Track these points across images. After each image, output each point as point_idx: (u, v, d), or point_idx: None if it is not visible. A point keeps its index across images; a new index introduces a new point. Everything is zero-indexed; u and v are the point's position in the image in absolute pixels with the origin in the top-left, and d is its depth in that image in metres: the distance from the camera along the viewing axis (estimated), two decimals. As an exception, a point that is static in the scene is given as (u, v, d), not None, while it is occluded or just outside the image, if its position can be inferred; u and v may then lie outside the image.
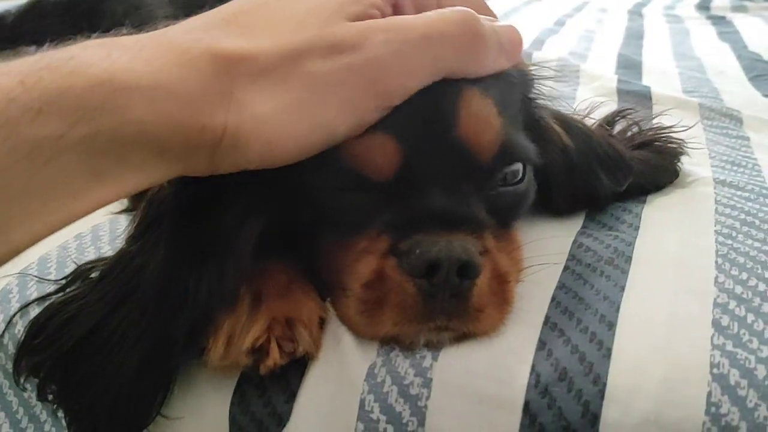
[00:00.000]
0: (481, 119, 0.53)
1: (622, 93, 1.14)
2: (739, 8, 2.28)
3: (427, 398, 0.49)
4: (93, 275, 0.58)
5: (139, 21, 0.79)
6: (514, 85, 0.60)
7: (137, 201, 0.64)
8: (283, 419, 0.52)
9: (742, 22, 1.98)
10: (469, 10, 0.52)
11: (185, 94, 0.44)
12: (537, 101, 0.64)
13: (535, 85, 0.65)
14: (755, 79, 1.27)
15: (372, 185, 0.52)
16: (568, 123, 0.67)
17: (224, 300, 0.52)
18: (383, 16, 0.51)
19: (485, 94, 0.54)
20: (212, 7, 0.51)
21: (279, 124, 0.47)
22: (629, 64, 1.40)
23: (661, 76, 1.29)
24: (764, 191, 0.73)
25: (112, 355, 0.52)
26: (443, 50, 0.51)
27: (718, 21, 2.04)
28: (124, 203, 0.74)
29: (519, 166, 0.57)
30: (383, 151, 0.51)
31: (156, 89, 0.42)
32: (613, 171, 0.68)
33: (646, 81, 1.25)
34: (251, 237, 0.54)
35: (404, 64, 0.49)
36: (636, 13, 2.18)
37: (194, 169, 0.47)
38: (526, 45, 1.58)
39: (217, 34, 0.47)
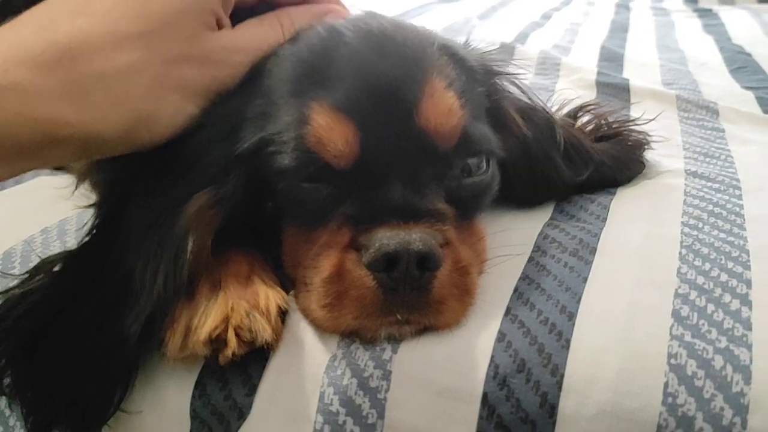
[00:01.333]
0: (442, 109, 0.53)
1: (601, 85, 1.14)
2: (726, 1, 2.29)
3: (387, 390, 0.49)
4: (56, 268, 0.57)
5: None
6: (477, 78, 0.61)
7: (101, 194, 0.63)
8: (243, 412, 0.51)
9: (728, 14, 1.99)
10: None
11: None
12: (500, 93, 0.64)
13: (498, 78, 0.65)
14: (736, 71, 1.27)
15: (332, 173, 0.52)
16: (528, 112, 0.67)
17: (178, 292, 0.51)
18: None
19: (448, 86, 0.54)
20: None
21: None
22: (611, 57, 1.39)
23: (641, 69, 1.29)
24: (734, 182, 0.73)
25: (70, 348, 0.51)
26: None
27: (705, 14, 2.04)
28: (91, 198, 0.73)
29: (482, 157, 0.57)
30: (343, 132, 0.51)
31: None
32: (573, 160, 0.68)
33: (626, 73, 1.25)
34: (211, 229, 0.54)
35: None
36: (623, 6, 2.18)
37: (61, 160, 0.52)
38: (510, 38, 1.58)
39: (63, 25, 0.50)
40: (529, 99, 0.68)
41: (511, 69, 0.67)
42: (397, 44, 0.56)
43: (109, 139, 0.51)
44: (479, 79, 0.61)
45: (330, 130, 0.51)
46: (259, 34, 0.58)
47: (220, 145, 0.55)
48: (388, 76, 0.53)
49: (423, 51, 0.56)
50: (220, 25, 0.56)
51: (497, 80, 0.64)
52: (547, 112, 0.69)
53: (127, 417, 0.53)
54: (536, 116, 0.67)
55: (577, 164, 0.69)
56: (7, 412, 0.60)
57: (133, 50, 0.50)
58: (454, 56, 0.59)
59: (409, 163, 0.52)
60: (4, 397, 0.59)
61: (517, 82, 0.68)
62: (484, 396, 0.47)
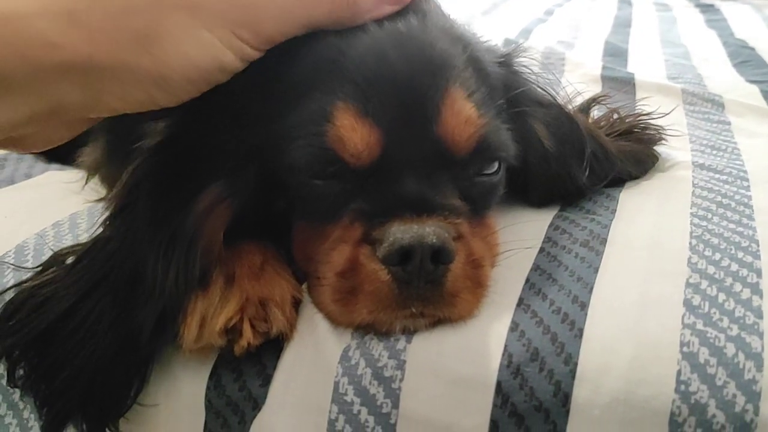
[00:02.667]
0: (461, 119, 0.53)
1: (606, 80, 1.14)
2: (728, -5, 2.29)
3: (401, 380, 0.49)
4: (68, 261, 0.57)
5: None
6: (500, 86, 0.61)
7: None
8: (258, 402, 0.52)
9: (730, 9, 1.99)
10: None
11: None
12: (525, 102, 0.64)
13: (521, 85, 0.64)
14: (740, 65, 1.27)
15: (348, 171, 0.52)
16: (554, 125, 0.66)
17: (191, 286, 0.52)
18: None
19: (469, 96, 0.54)
20: None
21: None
22: (616, 52, 1.40)
23: (646, 63, 1.30)
24: (742, 174, 0.73)
25: (84, 341, 0.52)
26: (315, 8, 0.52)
27: (707, 9, 2.04)
28: (101, 192, 0.74)
29: (495, 163, 0.58)
30: (365, 134, 0.51)
31: None
32: (595, 171, 0.69)
33: (631, 68, 1.26)
34: (222, 223, 0.54)
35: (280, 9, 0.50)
36: (625, 1, 2.18)
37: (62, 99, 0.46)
38: (514, 35, 1.59)
39: None
40: (557, 107, 0.68)
41: (534, 70, 0.67)
42: (424, 49, 0.55)
43: (106, 65, 0.46)
44: (503, 87, 0.61)
45: (352, 131, 0.51)
46: None
47: (233, 138, 0.55)
48: (412, 83, 0.53)
49: (449, 59, 0.55)
50: None
51: (522, 88, 0.64)
52: (575, 122, 0.68)
53: (143, 409, 0.54)
54: (562, 129, 0.67)
55: (598, 174, 0.69)
56: (21, 404, 0.60)
57: None
58: (478, 65, 0.58)
59: (424, 164, 0.53)
60: (16, 390, 0.60)
61: (543, 85, 0.68)
62: (498, 385, 0.48)
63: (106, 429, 0.54)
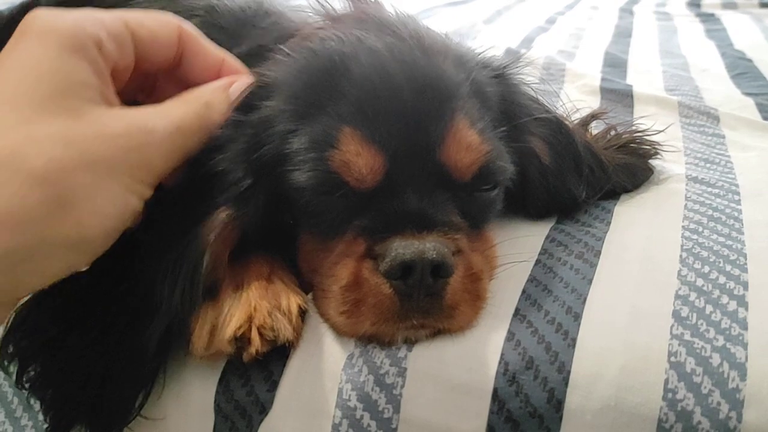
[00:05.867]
0: (463, 148, 0.56)
1: (605, 91, 1.16)
2: (729, 5, 2.31)
3: (402, 387, 0.52)
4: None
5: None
6: (497, 106, 0.63)
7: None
8: (265, 407, 0.54)
9: (730, 19, 2.01)
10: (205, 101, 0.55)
11: None
12: (521, 118, 0.66)
13: (519, 100, 0.67)
14: (737, 77, 1.29)
15: (352, 192, 0.55)
16: (554, 142, 0.69)
17: (194, 306, 0.54)
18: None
19: (472, 125, 0.57)
20: None
21: None
22: (615, 63, 1.42)
23: (644, 75, 1.32)
24: (733, 188, 0.75)
25: (94, 350, 0.54)
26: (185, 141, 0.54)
27: (707, 18, 2.06)
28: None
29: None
30: (370, 160, 0.54)
31: None
32: (591, 184, 0.71)
33: (630, 79, 1.28)
34: (228, 244, 0.56)
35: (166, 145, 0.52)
36: (627, 10, 2.20)
37: None
38: (515, 43, 1.61)
39: None
40: (555, 122, 0.70)
41: (533, 83, 0.69)
42: (431, 78, 0.57)
43: (26, 246, 0.44)
44: (500, 102, 0.63)
45: (357, 156, 0.53)
46: (173, 111, 0.53)
47: (241, 162, 0.56)
48: (417, 111, 0.55)
49: (454, 88, 0.58)
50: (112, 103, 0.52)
51: (520, 103, 0.66)
52: (573, 138, 0.70)
53: (154, 411, 0.56)
54: (560, 144, 0.69)
55: (594, 187, 0.71)
56: (19, 412, 0.62)
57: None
58: (480, 89, 0.61)
59: (426, 185, 0.55)
60: (16, 397, 0.61)
61: (541, 99, 0.70)
62: (495, 391, 0.50)
63: None
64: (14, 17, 0.99)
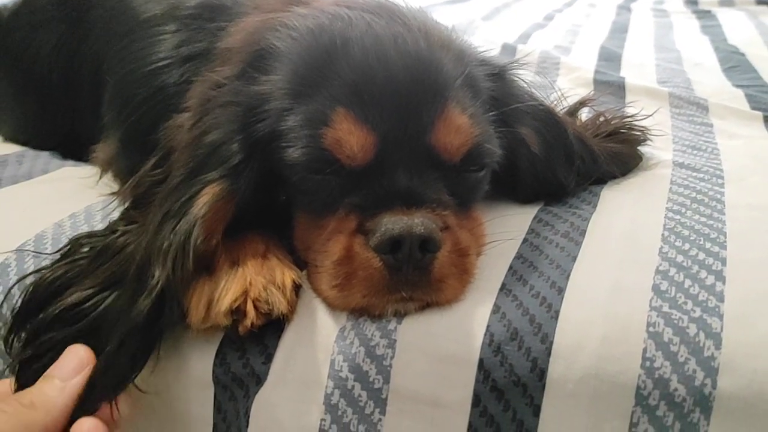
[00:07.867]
0: (453, 131, 0.58)
1: (598, 83, 1.19)
2: (725, 2, 2.33)
3: (392, 358, 0.54)
4: (85, 248, 0.62)
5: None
6: (491, 99, 0.65)
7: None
8: (261, 378, 0.56)
9: (726, 16, 2.02)
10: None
11: None
12: (514, 111, 0.68)
13: (513, 97, 0.68)
14: (728, 71, 1.31)
15: (344, 170, 0.57)
16: (543, 131, 0.70)
17: (186, 276, 0.55)
18: None
19: (463, 111, 0.59)
20: None
21: None
22: (610, 57, 1.44)
23: (638, 68, 1.33)
24: (718, 172, 0.77)
25: (96, 324, 0.56)
26: None
27: (703, 15, 2.08)
28: (113, 186, 0.78)
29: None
30: (362, 139, 0.56)
31: None
32: (581, 172, 0.73)
33: (623, 72, 1.29)
34: (222, 218, 0.58)
35: None
36: (624, 7, 2.22)
37: None
38: (513, 39, 1.63)
39: None
40: (546, 113, 0.72)
41: (527, 79, 0.71)
42: (427, 66, 0.59)
43: None
44: (495, 99, 0.65)
45: (349, 134, 0.55)
46: None
47: (236, 137, 0.58)
48: (411, 97, 0.57)
49: (449, 77, 0.60)
50: None
51: (514, 100, 0.68)
52: (563, 127, 0.72)
53: (156, 383, 0.58)
54: (550, 134, 0.71)
55: (583, 175, 0.74)
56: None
57: None
58: (474, 82, 0.63)
59: (415, 165, 0.57)
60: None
61: (534, 93, 0.72)
62: (481, 362, 0.52)
63: None
64: (17, 11, 1.01)
